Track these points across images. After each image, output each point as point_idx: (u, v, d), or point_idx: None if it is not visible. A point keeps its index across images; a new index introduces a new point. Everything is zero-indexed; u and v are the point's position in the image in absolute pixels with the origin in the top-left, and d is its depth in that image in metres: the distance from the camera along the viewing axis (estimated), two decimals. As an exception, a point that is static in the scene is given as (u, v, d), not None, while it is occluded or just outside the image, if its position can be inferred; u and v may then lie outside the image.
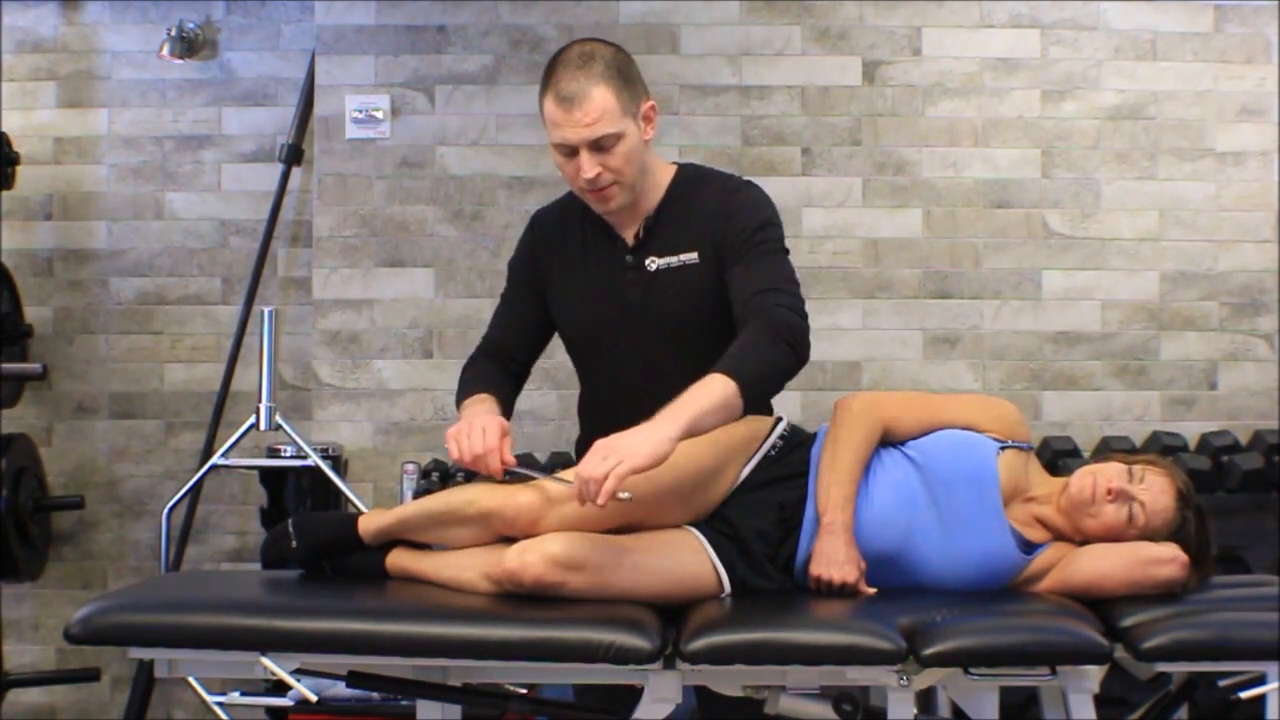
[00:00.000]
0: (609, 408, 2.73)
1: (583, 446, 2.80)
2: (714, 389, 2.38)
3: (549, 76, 2.59)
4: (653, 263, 2.69)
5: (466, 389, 2.74)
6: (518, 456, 4.42)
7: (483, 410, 2.63)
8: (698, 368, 2.47)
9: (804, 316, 2.54)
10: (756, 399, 2.46)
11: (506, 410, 2.71)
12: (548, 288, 2.80)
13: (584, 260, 2.75)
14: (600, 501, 2.23)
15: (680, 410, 2.33)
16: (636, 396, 2.53)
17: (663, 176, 2.73)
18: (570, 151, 2.58)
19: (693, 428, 2.33)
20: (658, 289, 2.69)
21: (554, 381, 4.49)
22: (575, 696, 2.87)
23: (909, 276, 4.70)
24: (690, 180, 2.75)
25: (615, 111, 2.55)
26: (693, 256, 2.67)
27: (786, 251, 2.68)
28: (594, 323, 2.75)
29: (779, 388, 2.55)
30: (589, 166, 2.57)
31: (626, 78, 2.59)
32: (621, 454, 2.25)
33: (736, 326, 2.56)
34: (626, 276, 2.71)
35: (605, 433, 2.60)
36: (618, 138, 2.57)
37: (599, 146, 2.56)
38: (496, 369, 2.81)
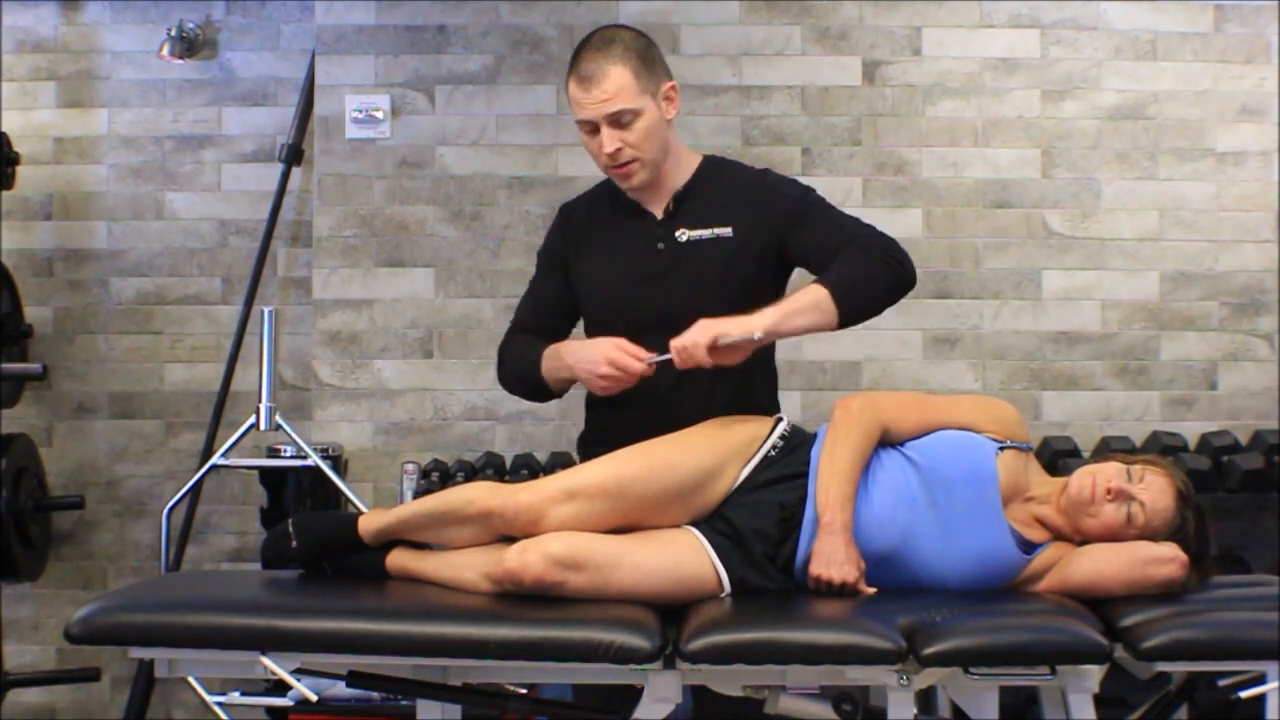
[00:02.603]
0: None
1: (587, 442, 2.81)
2: (805, 292, 2.58)
3: (572, 61, 2.72)
4: (683, 234, 2.76)
5: (530, 352, 2.79)
6: (519, 455, 4.38)
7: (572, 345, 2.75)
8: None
9: (894, 242, 2.68)
10: (854, 308, 2.60)
11: None
12: (576, 267, 2.86)
13: (613, 235, 2.83)
14: (702, 358, 2.50)
15: (770, 310, 2.53)
16: (653, 377, 2.58)
17: (689, 160, 2.84)
18: (592, 129, 2.70)
19: (779, 324, 2.54)
20: (687, 259, 2.75)
21: (554, 381, 4.49)
22: (574, 696, 2.87)
23: (909, 276, 4.69)
24: (718, 165, 2.87)
25: (632, 89, 2.67)
26: (726, 230, 2.75)
27: None
28: (621, 294, 2.79)
29: (882, 300, 2.66)
30: (609, 141, 2.68)
31: (645, 59, 2.71)
32: (717, 326, 2.50)
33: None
34: (655, 247, 2.77)
35: (615, 418, 2.64)
36: (635, 114, 2.68)
37: (618, 122, 2.68)
38: (536, 338, 2.85)
